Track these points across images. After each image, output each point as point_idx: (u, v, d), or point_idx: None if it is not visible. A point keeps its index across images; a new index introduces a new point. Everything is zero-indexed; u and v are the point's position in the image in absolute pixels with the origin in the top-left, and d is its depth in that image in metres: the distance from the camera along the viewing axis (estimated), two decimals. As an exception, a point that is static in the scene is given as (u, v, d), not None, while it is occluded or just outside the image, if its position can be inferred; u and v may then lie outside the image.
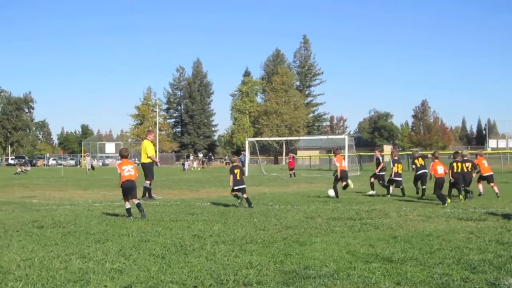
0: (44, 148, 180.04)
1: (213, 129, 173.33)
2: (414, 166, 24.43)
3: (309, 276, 8.18)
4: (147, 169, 23.82)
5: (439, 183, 20.21)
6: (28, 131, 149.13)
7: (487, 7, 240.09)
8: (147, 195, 23.40)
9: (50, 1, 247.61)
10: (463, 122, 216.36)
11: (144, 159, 24.05)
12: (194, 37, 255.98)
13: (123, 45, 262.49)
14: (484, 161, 24.14)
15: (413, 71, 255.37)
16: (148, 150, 24.16)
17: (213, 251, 10.25)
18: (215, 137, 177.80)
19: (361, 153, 78.27)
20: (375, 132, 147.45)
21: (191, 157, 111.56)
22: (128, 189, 16.19)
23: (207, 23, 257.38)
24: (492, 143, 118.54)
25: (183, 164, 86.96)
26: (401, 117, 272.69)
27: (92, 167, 73.47)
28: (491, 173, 23.77)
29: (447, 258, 9.47)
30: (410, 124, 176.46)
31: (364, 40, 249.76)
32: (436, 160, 21.11)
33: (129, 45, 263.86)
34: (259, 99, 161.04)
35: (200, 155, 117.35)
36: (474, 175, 22.92)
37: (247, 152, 63.27)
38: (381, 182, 24.91)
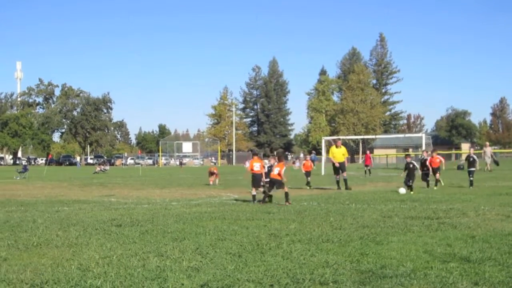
0: (122, 147, 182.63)
1: (289, 128, 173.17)
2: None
3: (385, 276, 8.15)
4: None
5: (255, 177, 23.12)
6: (106, 131, 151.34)
7: None
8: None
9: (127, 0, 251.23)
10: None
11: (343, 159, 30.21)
12: (270, 37, 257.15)
13: (200, 45, 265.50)
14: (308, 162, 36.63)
15: (491, 68, 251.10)
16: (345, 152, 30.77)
17: (289, 250, 10.28)
18: (291, 136, 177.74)
19: (438, 152, 77.17)
20: (452, 130, 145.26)
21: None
22: None
23: (284, 23, 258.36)
24: None
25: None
26: (480, 115, 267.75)
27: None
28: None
29: (527, 258, 9.31)
30: (488, 122, 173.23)
31: (441, 38, 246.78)
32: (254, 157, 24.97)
33: (206, 45, 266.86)
34: (335, 97, 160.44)
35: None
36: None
37: (323, 151, 63.08)
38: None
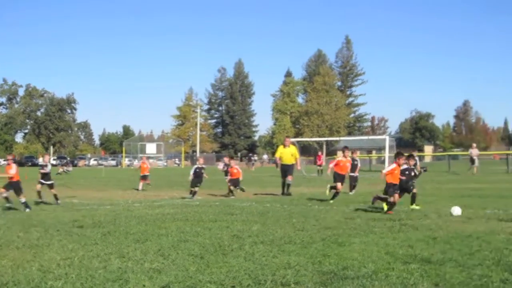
0: (86, 148, 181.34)
1: (253, 129, 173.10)
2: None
3: (347, 277, 8.18)
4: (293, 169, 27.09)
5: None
6: (70, 131, 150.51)
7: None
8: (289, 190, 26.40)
9: (91, 1, 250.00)
10: (505, 123, 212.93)
11: (292, 161, 27.00)
12: (237, 38, 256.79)
13: (165, 46, 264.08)
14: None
15: (455, 71, 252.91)
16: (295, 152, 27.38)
17: (252, 252, 10.29)
18: (256, 138, 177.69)
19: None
20: (416, 132, 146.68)
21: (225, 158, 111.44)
22: None
23: (250, 24, 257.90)
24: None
25: (225, 165, 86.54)
26: (443, 118, 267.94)
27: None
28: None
29: (487, 260, 9.39)
30: (451, 124, 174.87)
31: (405, 40, 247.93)
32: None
33: (170, 45, 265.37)
34: (300, 99, 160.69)
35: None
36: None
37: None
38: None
